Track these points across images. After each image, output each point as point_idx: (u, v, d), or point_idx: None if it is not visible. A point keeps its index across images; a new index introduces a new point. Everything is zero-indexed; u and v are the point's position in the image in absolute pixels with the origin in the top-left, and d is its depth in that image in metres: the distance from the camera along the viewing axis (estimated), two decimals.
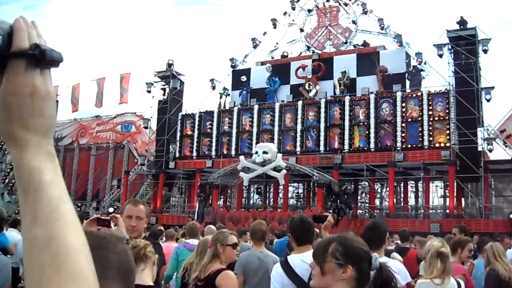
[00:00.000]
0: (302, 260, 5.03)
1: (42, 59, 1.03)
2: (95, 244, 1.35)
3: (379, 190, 44.71)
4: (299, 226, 5.45)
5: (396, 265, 5.33)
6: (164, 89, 47.07)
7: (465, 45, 35.50)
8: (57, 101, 57.08)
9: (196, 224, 10.29)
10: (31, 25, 1.05)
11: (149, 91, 46.93)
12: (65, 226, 0.99)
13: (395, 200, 37.75)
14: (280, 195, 43.12)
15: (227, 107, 44.17)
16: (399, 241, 12.63)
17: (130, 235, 4.44)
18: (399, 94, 36.47)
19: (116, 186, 48.66)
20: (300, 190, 50.01)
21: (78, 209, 48.16)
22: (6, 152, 50.22)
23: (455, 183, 34.21)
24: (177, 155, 44.20)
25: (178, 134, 44.47)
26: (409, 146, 35.40)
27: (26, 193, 1.00)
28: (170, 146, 45.58)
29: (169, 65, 46.80)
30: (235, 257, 5.63)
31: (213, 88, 46.90)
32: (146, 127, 48.44)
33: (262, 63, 46.29)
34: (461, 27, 36.26)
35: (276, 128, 40.06)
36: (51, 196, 1.00)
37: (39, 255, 0.97)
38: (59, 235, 0.97)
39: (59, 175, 1.05)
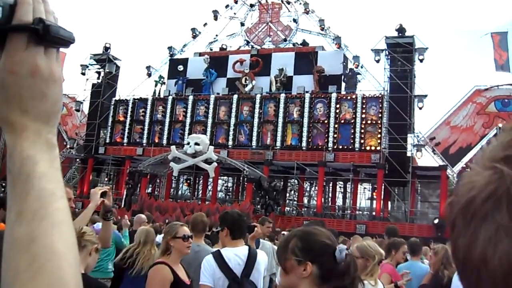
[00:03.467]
0: (235, 254, 5.07)
1: (46, 35, 0.90)
2: None
3: (308, 189, 45.05)
4: (236, 220, 5.41)
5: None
6: (99, 73, 46.30)
7: (402, 52, 36.11)
8: None
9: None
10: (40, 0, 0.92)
11: (83, 74, 46.08)
12: (52, 226, 0.86)
13: (323, 199, 38.10)
14: (209, 187, 42.93)
15: (161, 96, 43.76)
16: None
17: None
18: (334, 95, 36.77)
19: None
20: (230, 184, 50.06)
21: (3, 190, 46.97)
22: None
23: (383, 186, 34.75)
24: (108, 140, 43.55)
25: (110, 119, 43.78)
26: (341, 147, 35.75)
27: (14, 184, 0.88)
28: (101, 131, 44.85)
29: (106, 49, 46.02)
30: (186, 251, 5.34)
31: (149, 75, 46.38)
32: (77, 110, 47.54)
33: (200, 54, 46.00)
34: (400, 34, 36.85)
35: (209, 120, 39.88)
36: (41, 190, 0.87)
37: (17, 256, 0.84)
38: (43, 236, 0.85)
39: (56, 168, 0.93)
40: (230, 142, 38.86)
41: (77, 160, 46.01)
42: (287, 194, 43.76)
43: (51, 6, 0.94)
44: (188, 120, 40.74)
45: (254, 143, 38.15)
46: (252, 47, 45.31)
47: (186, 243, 5.28)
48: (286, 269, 2.42)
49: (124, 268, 7.07)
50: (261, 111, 38.59)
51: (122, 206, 34.80)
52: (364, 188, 43.32)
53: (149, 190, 41.94)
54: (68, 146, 46.96)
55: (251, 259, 5.09)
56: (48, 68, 0.92)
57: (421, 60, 36.57)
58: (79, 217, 4.93)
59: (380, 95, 36.10)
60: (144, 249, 7.00)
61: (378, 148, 34.67)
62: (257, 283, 5.10)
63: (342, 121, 36.18)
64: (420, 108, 35.29)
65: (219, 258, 4.98)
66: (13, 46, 0.89)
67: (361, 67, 39.57)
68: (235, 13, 47.47)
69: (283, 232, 15.65)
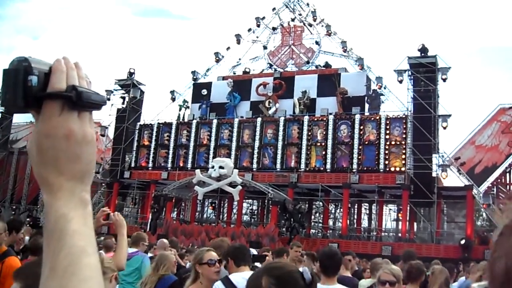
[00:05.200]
0: (243, 277, 5.06)
1: (79, 101, 0.99)
2: None
3: (333, 211, 44.91)
4: (237, 249, 5.65)
5: None
6: (123, 98, 46.70)
7: (424, 72, 36.00)
8: None
9: (141, 233, 9.93)
10: (73, 66, 1.01)
11: (108, 99, 46.41)
12: (81, 282, 0.92)
13: (348, 221, 37.89)
14: (234, 210, 43.02)
15: (186, 120, 43.96)
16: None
17: None
18: (357, 116, 36.72)
19: None
20: (255, 207, 50.00)
21: (30, 214, 47.40)
22: None
23: (408, 207, 34.50)
24: (133, 165, 43.79)
25: (135, 144, 44.08)
26: (365, 168, 35.60)
27: (49, 241, 0.96)
28: (126, 156, 45.18)
29: (130, 74, 46.49)
30: (214, 276, 5.15)
31: (173, 100, 46.65)
32: (103, 135, 47.86)
33: (224, 78, 46.24)
34: (422, 54, 36.78)
35: (233, 144, 39.98)
36: (72, 247, 0.95)
37: None
38: None
39: (89, 225, 1.00)
40: (255, 165, 38.89)
41: (103, 184, 46.27)
42: (312, 217, 43.57)
43: (84, 71, 1.03)
44: (212, 144, 40.87)
45: (278, 165, 38.14)
46: (275, 70, 45.47)
47: (213, 269, 5.12)
48: None
49: None
50: (285, 133, 38.60)
51: (148, 230, 34.88)
52: (390, 209, 43.06)
53: (174, 214, 42.05)
54: (94, 171, 47.24)
55: None
56: (81, 131, 1.01)
57: (444, 80, 36.37)
58: (118, 245, 5.01)
59: (403, 116, 35.97)
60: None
61: (403, 169, 34.48)
62: None
63: (366, 143, 36.08)
64: (445, 128, 35.04)
65: (227, 282, 5.03)
66: (49, 111, 0.97)
67: (384, 88, 39.47)
68: (257, 37, 47.75)
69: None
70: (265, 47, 47.32)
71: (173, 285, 6.95)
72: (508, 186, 40.03)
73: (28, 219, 45.71)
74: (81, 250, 0.95)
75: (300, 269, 2.61)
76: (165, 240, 10.76)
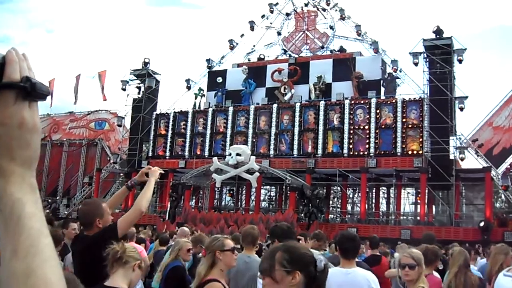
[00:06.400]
0: None
1: (32, 92, 1.05)
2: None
3: (351, 196, 44.93)
4: (286, 232, 5.87)
5: (366, 275, 5.36)
6: (139, 88, 46.92)
7: (440, 54, 35.80)
8: None
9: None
10: (22, 57, 1.06)
11: (124, 89, 46.73)
12: (44, 261, 1.00)
13: (366, 205, 37.83)
14: (252, 197, 43.11)
15: (202, 108, 44.05)
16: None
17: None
18: (373, 100, 36.63)
19: (87, 184, 48.30)
20: (273, 193, 50.16)
21: (49, 205, 47.73)
22: None
23: (426, 191, 34.38)
24: (150, 154, 43.96)
25: (152, 133, 44.26)
26: (382, 152, 35.54)
27: (7, 224, 1.01)
28: (144, 145, 45.39)
29: (145, 64, 46.62)
30: (234, 263, 5.22)
31: (188, 88, 46.77)
32: (119, 125, 48.13)
33: (239, 65, 46.27)
34: (437, 36, 36.55)
35: (250, 131, 40.05)
36: (31, 229, 1.01)
37: None
38: (38, 270, 0.98)
39: (40, 208, 1.06)
40: (272, 152, 38.94)
41: (121, 174, 46.57)
42: (330, 202, 43.68)
43: (31, 62, 1.08)
44: (229, 131, 40.96)
45: (295, 151, 38.15)
46: (290, 55, 45.41)
47: (234, 256, 5.17)
48: (275, 280, 2.63)
49: None
50: (301, 119, 38.59)
51: (167, 218, 35.07)
52: (408, 193, 43.03)
53: (193, 202, 42.22)
54: (111, 161, 47.56)
55: None
56: (32, 120, 1.06)
57: (460, 61, 36.16)
58: (144, 189, 5.04)
59: (420, 99, 35.83)
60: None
61: (420, 152, 34.39)
62: None
63: (383, 126, 36.00)
64: (461, 110, 34.84)
65: None
66: (3, 101, 1.02)
67: (400, 71, 39.36)
68: (271, 23, 47.68)
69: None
70: (279, 33, 47.26)
71: (173, 269, 7.07)
72: None
73: (47, 211, 46.16)
74: (40, 232, 1.02)
75: (316, 257, 2.72)
76: (186, 229, 10.81)
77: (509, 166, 38.16)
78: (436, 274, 6.55)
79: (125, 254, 4.10)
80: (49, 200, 52.00)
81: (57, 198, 51.70)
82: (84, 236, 4.73)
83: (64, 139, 55.49)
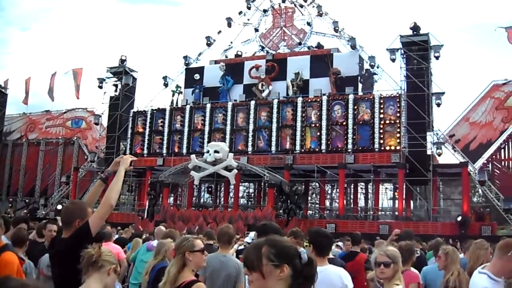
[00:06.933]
0: None
1: None
2: None
3: (329, 192, 45.00)
4: (277, 231, 5.66)
5: (339, 272, 5.34)
6: (116, 85, 46.71)
7: (417, 51, 36.11)
8: (6, 95, 56.28)
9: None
10: None
11: (100, 87, 46.45)
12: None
13: (345, 201, 38.02)
14: (231, 194, 43.09)
15: (179, 105, 43.87)
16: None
17: None
18: (351, 96, 36.72)
19: (65, 183, 47.99)
20: (251, 190, 50.08)
21: (26, 206, 47.46)
22: None
23: (404, 186, 34.62)
24: (128, 152, 43.51)
25: (129, 131, 44.01)
26: (360, 148, 35.68)
27: None
28: (121, 143, 45.14)
29: (122, 61, 46.42)
30: (204, 264, 5.17)
31: (166, 85, 46.56)
32: (96, 123, 47.90)
33: (216, 62, 46.17)
34: (414, 32, 36.85)
35: (228, 128, 40.00)
36: None
37: None
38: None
39: None
40: (250, 148, 38.92)
41: (99, 173, 46.22)
42: (309, 198, 43.76)
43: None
44: (206, 129, 40.87)
45: (273, 148, 38.17)
46: (267, 52, 45.39)
47: (204, 256, 5.13)
48: (263, 274, 2.62)
49: None
50: (279, 116, 38.61)
51: (145, 217, 34.93)
52: (386, 188, 43.21)
53: (171, 199, 42.06)
54: (89, 160, 47.32)
55: None
56: None
57: (437, 58, 36.49)
58: (113, 181, 4.82)
59: (397, 95, 35.97)
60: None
61: (398, 147, 34.54)
62: None
63: (361, 122, 36.11)
64: (438, 106, 35.16)
65: None
66: None
67: (377, 67, 39.55)
68: (248, 19, 47.58)
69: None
70: (256, 30, 47.18)
71: (162, 270, 7.00)
72: (503, 162, 40.12)
73: (25, 211, 45.81)
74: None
75: (299, 250, 2.71)
76: (162, 228, 10.73)
77: (485, 161, 38.58)
78: (413, 269, 6.57)
79: (101, 258, 4.00)
80: (27, 201, 51.69)
81: (35, 198, 51.34)
82: (61, 239, 4.63)
83: (41, 138, 55.13)
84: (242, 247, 9.74)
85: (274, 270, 2.60)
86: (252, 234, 9.34)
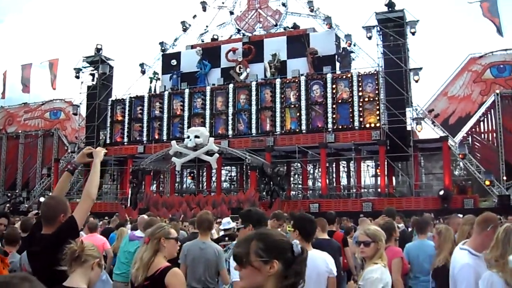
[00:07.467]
0: None
1: None
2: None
3: (311, 172, 45.12)
4: (261, 217, 5.61)
5: (324, 257, 5.34)
6: (93, 75, 46.28)
7: (393, 27, 36.14)
8: None
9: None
10: None
11: (77, 77, 46.04)
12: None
13: (327, 180, 38.15)
14: (213, 179, 43.11)
15: (157, 92, 43.61)
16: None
17: None
18: (329, 76, 36.76)
19: (46, 175, 47.68)
20: (233, 174, 50.13)
21: (9, 200, 47.15)
22: None
23: (385, 163, 34.71)
24: (108, 141, 43.42)
25: (109, 120, 43.77)
26: (340, 127, 35.79)
27: None
28: (101, 132, 44.85)
29: (98, 50, 45.98)
30: (175, 253, 5.11)
31: (143, 72, 46.31)
32: (75, 114, 47.52)
33: (192, 47, 45.94)
34: (389, 9, 36.85)
35: (207, 112, 39.91)
36: None
37: None
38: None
39: None
40: (230, 132, 38.87)
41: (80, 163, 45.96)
42: (291, 179, 43.82)
43: None
44: (186, 114, 40.75)
45: (254, 130, 38.15)
46: (244, 35, 45.15)
47: (177, 245, 5.09)
48: (252, 270, 2.53)
49: None
50: (258, 98, 38.55)
51: (128, 205, 34.82)
52: (368, 166, 43.44)
53: (154, 187, 41.97)
54: (69, 151, 47.00)
55: None
56: None
57: (413, 33, 36.53)
58: (90, 174, 4.74)
59: (375, 72, 36.06)
60: None
61: (378, 124, 34.68)
62: None
63: (340, 101, 36.18)
64: (416, 81, 35.23)
65: None
66: None
67: (354, 45, 39.57)
68: (223, 3, 47.28)
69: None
70: (231, 13, 46.90)
71: None
72: (482, 135, 40.36)
73: (8, 205, 45.50)
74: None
75: (292, 241, 2.62)
76: (145, 216, 10.65)
77: (465, 135, 38.81)
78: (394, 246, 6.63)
79: (84, 252, 3.96)
80: (9, 194, 51.29)
81: (17, 191, 51.00)
82: (42, 236, 4.50)
83: (20, 131, 54.70)
84: (222, 232, 9.65)
85: (264, 266, 2.50)
86: (225, 220, 9.25)
